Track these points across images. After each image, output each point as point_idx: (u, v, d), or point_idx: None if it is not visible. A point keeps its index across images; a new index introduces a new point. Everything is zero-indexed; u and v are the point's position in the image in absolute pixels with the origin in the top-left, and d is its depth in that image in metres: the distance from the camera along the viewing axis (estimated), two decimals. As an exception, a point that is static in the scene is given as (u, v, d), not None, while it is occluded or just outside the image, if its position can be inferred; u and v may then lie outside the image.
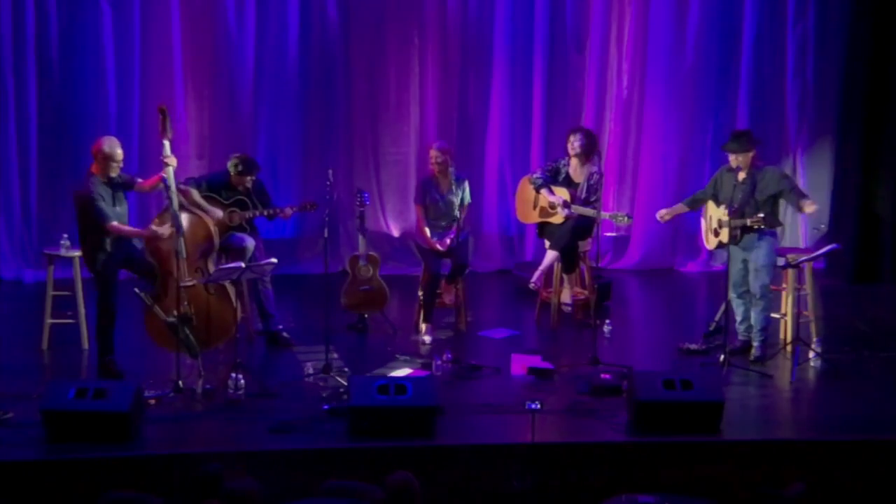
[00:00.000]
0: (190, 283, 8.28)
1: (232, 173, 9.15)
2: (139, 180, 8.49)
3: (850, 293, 11.03)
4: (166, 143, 8.35)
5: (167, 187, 8.23)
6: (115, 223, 8.23)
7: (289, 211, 9.34)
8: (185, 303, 8.20)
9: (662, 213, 9.25)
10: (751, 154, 8.80)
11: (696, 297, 11.08)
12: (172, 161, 8.32)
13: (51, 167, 10.96)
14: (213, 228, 8.51)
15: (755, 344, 8.90)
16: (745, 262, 8.89)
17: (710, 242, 9.12)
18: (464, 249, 9.56)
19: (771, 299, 8.89)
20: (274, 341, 9.22)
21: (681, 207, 9.30)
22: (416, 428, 7.33)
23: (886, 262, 11.30)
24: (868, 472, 7.26)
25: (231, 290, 8.40)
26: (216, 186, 9.10)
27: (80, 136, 10.89)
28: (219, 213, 8.75)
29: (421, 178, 9.92)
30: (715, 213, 8.96)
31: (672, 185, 11.61)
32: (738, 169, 8.80)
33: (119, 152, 8.29)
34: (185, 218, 8.33)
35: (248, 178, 9.17)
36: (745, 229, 8.73)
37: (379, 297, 9.57)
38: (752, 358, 8.86)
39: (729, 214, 8.74)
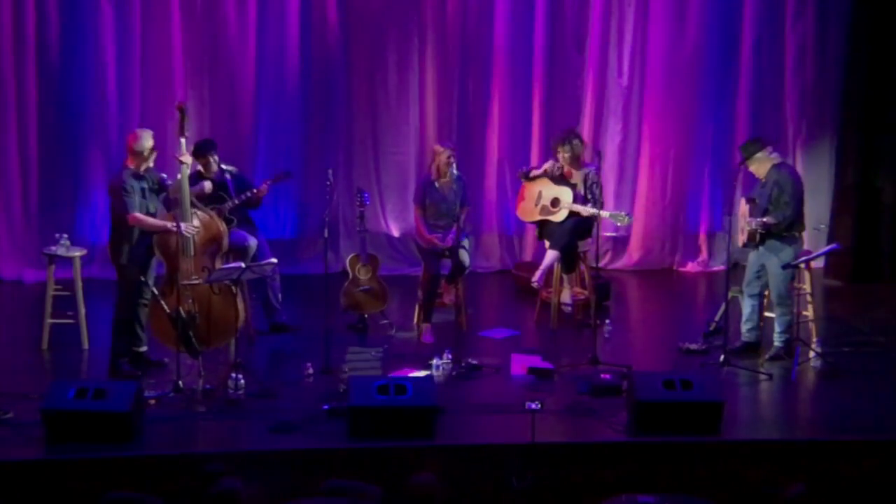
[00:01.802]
0: (195, 282, 8.30)
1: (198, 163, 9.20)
2: (171, 183, 8.51)
3: (850, 293, 11.03)
4: (182, 142, 8.41)
5: (180, 186, 8.31)
6: (137, 214, 8.27)
7: (264, 187, 9.34)
8: (191, 300, 8.22)
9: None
10: (756, 158, 8.80)
11: (696, 297, 11.08)
12: (188, 159, 8.42)
13: (51, 167, 10.94)
14: (223, 229, 8.52)
15: (776, 343, 8.89)
16: (762, 265, 8.89)
17: (739, 240, 9.09)
18: (463, 251, 9.56)
19: (790, 305, 8.85)
20: (278, 331, 9.27)
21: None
22: (416, 428, 7.33)
23: (886, 261, 11.29)
24: (868, 472, 7.26)
25: (237, 291, 8.42)
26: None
27: (80, 137, 10.91)
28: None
29: (421, 178, 9.91)
30: (743, 212, 9.00)
31: (672, 184, 11.62)
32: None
33: (149, 143, 8.35)
34: (196, 217, 8.36)
35: (202, 159, 9.15)
36: (764, 233, 8.74)
37: (379, 297, 9.57)
38: (769, 355, 8.85)
39: (749, 214, 8.78)
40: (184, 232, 8.26)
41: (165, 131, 10.82)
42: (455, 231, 9.34)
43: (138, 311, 8.48)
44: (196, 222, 8.38)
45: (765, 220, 8.72)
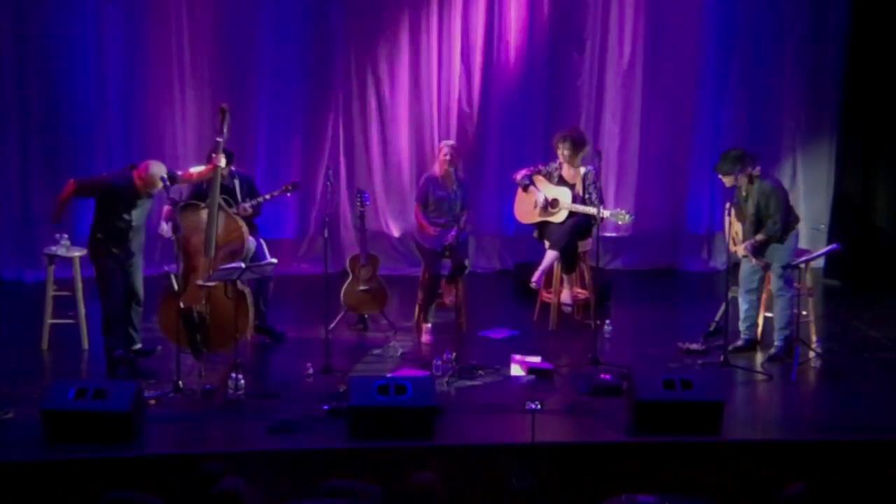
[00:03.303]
0: (211, 284, 8.29)
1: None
2: (178, 173, 8.49)
3: (850, 293, 11.02)
4: (220, 142, 8.40)
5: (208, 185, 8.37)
6: (77, 180, 8.33)
7: (268, 197, 9.36)
8: (203, 301, 8.22)
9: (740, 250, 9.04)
10: (739, 177, 8.82)
11: (696, 297, 11.07)
12: (221, 160, 8.40)
13: (51, 167, 10.92)
14: (244, 230, 8.52)
15: (777, 342, 8.90)
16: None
17: (732, 247, 9.09)
18: (464, 249, 9.58)
19: (789, 298, 8.83)
20: (264, 334, 9.25)
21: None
22: (416, 428, 7.33)
23: (886, 262, 11.28)
24: (868, 472, 7.26)
25: (249, 296, 8.40)
26: (199, 190, 9.01)
27: (80, 137, 10.89)
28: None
29: (425, 176, 9.90)
30: (735, 223, 9.02)
31: (672, 184, 11.62)
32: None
33: (159, 184, 8.26)
34: (220, 220, 8.37)
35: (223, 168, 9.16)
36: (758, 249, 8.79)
37: (379, 297, 9.58)
38: (769, 355, 8.85)
39: (743, 233, 8.90)
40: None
41: (165, 131, 10.88)
42: (455, 230, 9.35)
43: (131, 313, 8.47)
44: (221, 219, 8.38)
45: (756, 239, 8.78)
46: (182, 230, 8.26)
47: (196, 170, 8.62)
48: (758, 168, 8.94)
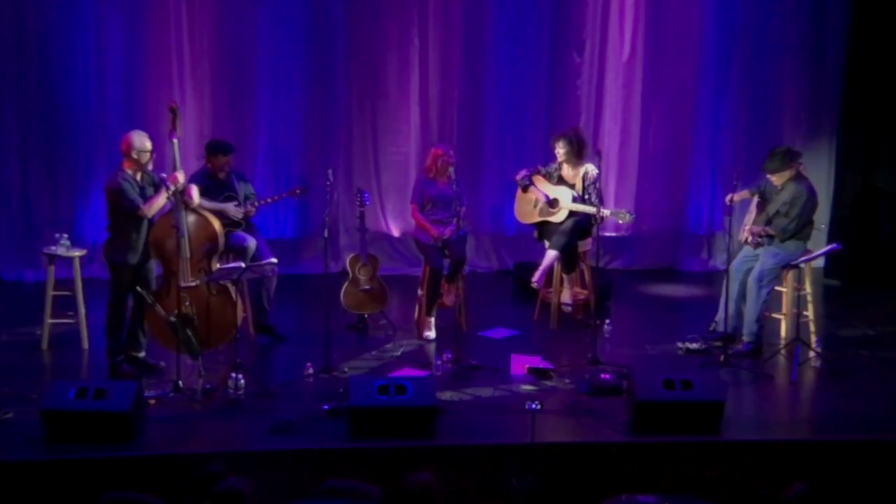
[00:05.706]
0: (192, 284, 8.28)
1: (209, 162, 9.17)
2: (164, 176, 8.47)
3: (850, 293, 11.03)
4: (175, 142, 8.36)
5: (176, 189, 8.26)
6: (145, 206, 8.19)
7: (277, 198, 9.41)
8: (188, 303, 8.20)
9: (732, 197, 9.11)
10: (788, 173, 8.86)
11: (696, 297, 11.07)
12: (181, 176, 8.31)
13: (51, 167, 10.94)
14: (218, 229, 8.50)
15: (745, 338, 8.96)
16: (756, 256, 8.95)
17: (741, 236, 9.16)
18: (461, 245, 9.58)
19: (766, 293, 8.89)
20: (265, 333, 9.26)
21: (746, 194, 9.28)
22: (416, 428, 7.33)
23: (885, 262, 11.29)
24: (868, 472, 7.26)
25: (233, 290, 8.39)
26: (203, 186, 9.01)
27: (80, 137, 10.90)
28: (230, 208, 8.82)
29: (418, 177, 9.92)
30: (753, 211, 9.09)
31: (672, 184, 11.63)
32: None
33: (148, 144, 8.27)
34: (190, 218, 8.33)
35: (224, 158, 9.15)
36: (760, 236, 8.83)
37: (379, 297, 9.58)
38: (737, 350, 8.88)
39: (755, 219, 8.97)
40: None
41: (165, 131, 10.85)
42: (455, 225, 9.36)
43: (140, 315, 8.44)
44: (191, 218, 8.35)
45: (764, 228, 8.83)
46: (183, 232, 8.25)
47: (180, 175, 8.46)
48: (802, 164, 9.01)
